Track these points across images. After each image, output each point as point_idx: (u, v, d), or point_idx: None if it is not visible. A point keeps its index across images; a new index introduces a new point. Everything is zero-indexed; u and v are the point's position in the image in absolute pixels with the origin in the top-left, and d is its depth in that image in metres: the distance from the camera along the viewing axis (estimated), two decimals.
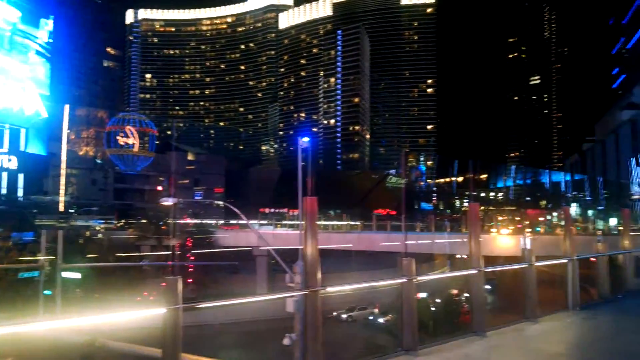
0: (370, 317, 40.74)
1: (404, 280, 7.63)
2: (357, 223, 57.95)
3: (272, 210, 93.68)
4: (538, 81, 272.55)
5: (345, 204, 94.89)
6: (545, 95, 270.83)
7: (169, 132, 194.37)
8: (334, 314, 40.52)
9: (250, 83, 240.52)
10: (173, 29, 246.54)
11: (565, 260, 10.51)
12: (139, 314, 5.53)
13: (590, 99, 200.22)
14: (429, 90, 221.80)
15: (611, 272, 12.75)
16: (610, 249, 13.45)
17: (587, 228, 50.90)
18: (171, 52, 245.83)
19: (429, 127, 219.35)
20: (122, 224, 74.29)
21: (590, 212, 65.54)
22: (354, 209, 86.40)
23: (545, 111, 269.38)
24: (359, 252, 48.80)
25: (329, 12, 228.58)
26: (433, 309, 35.59)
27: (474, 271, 8.49)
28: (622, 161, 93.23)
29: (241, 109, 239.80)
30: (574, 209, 70.59)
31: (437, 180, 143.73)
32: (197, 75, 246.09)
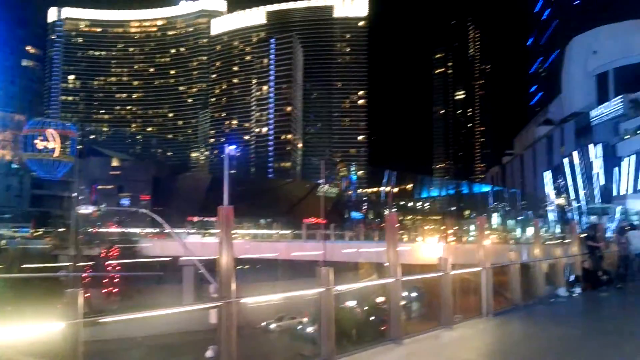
0: (299, 327, 40.54)
1: (322, 290, 7.61)
2: (287, 232, 57.86)
3: (201, 218, 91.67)
4: (463, 96, 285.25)
5: (276, 213, 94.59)
6: (470, 110, 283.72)
7: (92, 137, 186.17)
8: (263, 324, 40.07)
9: (181, 88, 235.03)
10: (99, 30, 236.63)
11: (479, 269, 10.91)
12: (36, 327, 5.13)
13: (511, 114, 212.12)
14: (360, 101, 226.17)
15: (523, 280, 13.35)
16: (522, 257, 14.15)
17: (505, 237, 53.43)
18: (97, 53, 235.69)
19: (360, 137, 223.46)
20: (39, 232, 70.17)
21: (509, 222, 68.87)
22: (284, 217, 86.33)
23: (469, 125, 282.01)
24: (288, 260, 48.68)
25: (262, 20, 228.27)
26: (359, 317, 35.99)
27: (391, 280, 8.62)
28: (539, 174, 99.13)
29: (170, 115, 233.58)
30: (495, 219, 73.98)
31: (368, 190, 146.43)
32: (124, 78, 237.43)
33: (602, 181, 68.13)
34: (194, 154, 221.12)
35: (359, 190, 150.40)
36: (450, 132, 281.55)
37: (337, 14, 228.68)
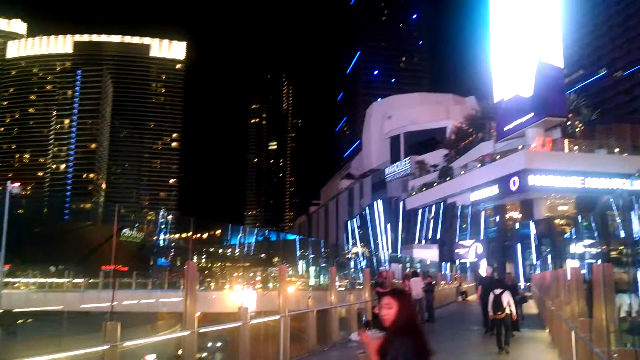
0: None
1: (106, 347, 6.86)
2: (81, 280, 52.32)
3: None
4: (275, 146, 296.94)
5: (71, 259, 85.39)
6: (281, 160, 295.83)
7: None
8: None
9: None
10: None
11: (277, 317, 11.00)
12: None
13: (319, 166, 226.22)
14: (174, 144, 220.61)
15: (320, 325, 13.82)
16: (320, 304, 14.73)
17: (307, 284, 55.49)
18: None
19: (172, 181, 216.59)
20: None
21: (312, 269, 71.87)
22: (81, 264, 78.25)
23: (281, 175, 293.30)
24: (80, 312, 43.78)
25: (69, 49, 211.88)
26: None
27: (186, 332, 8.17)
28: (340, 223, 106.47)
29: None
30: (300, 266, 76.65)
31: (176, 236, 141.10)
32: None
33: (394, 231, 75.79)
34: None
35: (167, 236, 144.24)
36: (263, 180, 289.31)
37: (153, 53, 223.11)
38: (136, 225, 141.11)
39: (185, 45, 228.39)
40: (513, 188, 47.87)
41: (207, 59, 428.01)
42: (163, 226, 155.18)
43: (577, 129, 53.22)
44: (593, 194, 45.05)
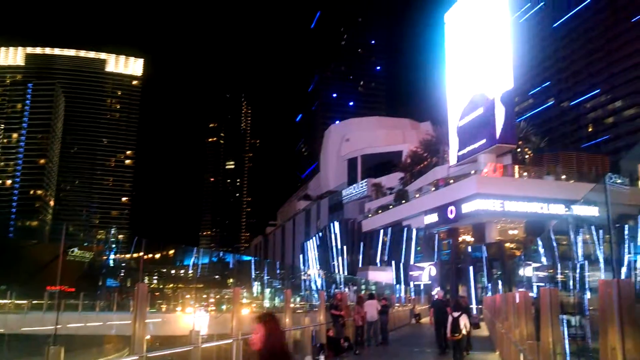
0: None
1: None
2: (24, 301, 49.90)
3: None
4: (233, 166, 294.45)
5: (14, 279, 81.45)
6: (238, 180, 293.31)
7: None
8: None
9: None
10: None
11: (230, 341, 10.80)
12: None
13: (276, 187, 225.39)
14: (127, 161, 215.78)
15: None
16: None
17: (262, 306, 54.77)
18: None
19: (124, 199, 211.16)
20: None
21: (268, 291, 71.04)
22: (25, 284, 74.71)
23: (237, 194, 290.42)
24: (22, 335, 41.65)
25: (20, 61, 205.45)
26: None
27: (134, 357, 7.89)
28: (297, 244, 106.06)
29: None
30: (255, 288, 75.61)
31: (127, 256, 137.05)
32: None
33: (350, 253, 76.03)
34: None
35: (118, 256, 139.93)
36: (219, 200, 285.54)
37: (109, 68, 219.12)
38: (85, 244, 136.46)
39: (143, 61, 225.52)
40: (450, 216, 49.62)
41: (166, 76, 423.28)
42: (113, 245, 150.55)
43: (527, 156, 55.27)
44: (541, 218, 46.73)
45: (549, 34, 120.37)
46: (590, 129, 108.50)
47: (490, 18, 50.31)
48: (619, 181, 48.12)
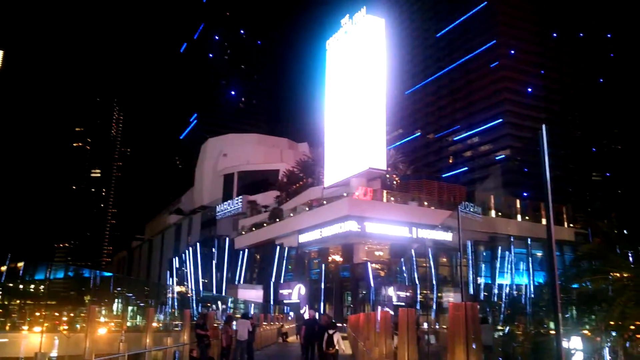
0: None
1: None
2: None
3: None
4: (99, 174, 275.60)
5: None
6: (104, 189, 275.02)
7: None
8: None
9: None
10: None
11: None
12: None
13: (146, 200, 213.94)
14: None
15: None
16: (134, 347, 13.69)
17: (122, 325, 51.48)
18: None
19: None
20: None
21: (130, 309, 66.93)
22: None
23: (102, 205, 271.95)
24: None
25: None
26: None
27: None
28: (165, 260, 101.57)
29: None
30: (116, 306, 70.94)
31: None
32: None
33: (221, 270, 74.48)
34: None
35: None
36: (80, 210, 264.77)
37: None
38: None
39: (2, 54, 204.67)
40: (322, 236, 51.73)
41: (27, 72, 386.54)
42: None
43: (395, 182, 58.70)
44: (405, 241, 49.71)
45: (420, 71, 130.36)
46: (450, 161, 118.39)
47: (366, 52, 53.20)
48: (472, 210, 52.95)
